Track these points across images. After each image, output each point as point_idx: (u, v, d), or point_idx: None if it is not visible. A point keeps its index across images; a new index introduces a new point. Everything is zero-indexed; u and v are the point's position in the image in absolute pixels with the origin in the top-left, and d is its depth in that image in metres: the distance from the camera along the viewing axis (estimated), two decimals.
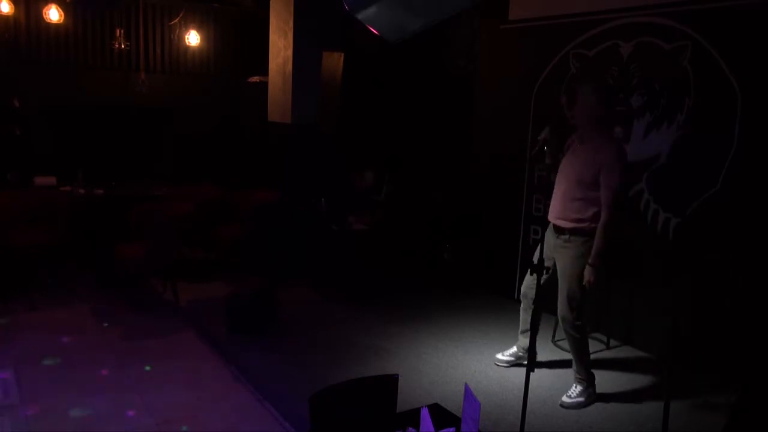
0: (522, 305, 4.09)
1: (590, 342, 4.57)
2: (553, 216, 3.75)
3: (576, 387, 3.72)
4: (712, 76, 4.05)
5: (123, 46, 6.91)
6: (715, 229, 4.06)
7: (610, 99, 3.86)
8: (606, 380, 3.99)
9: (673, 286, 4.28)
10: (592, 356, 3.78)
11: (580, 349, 3.71)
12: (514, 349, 4.19)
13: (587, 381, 3.72)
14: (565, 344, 3.92)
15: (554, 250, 3.70)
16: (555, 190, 3.77)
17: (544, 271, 3.23)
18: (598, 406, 3.66)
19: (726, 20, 3.99)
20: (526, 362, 4.05)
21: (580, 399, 3.67)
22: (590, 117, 3.53)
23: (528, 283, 3.98)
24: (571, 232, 3.60)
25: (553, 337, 4.57)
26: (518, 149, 5.39)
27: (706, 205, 4.10)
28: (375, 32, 3.33)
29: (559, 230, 3.68)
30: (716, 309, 4.06)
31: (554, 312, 3.80)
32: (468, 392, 2.05)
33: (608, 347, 4.57)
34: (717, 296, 4.06)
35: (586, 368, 3.73)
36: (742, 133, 3.92)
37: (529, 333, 4.03)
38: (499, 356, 4.21)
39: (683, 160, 4.25)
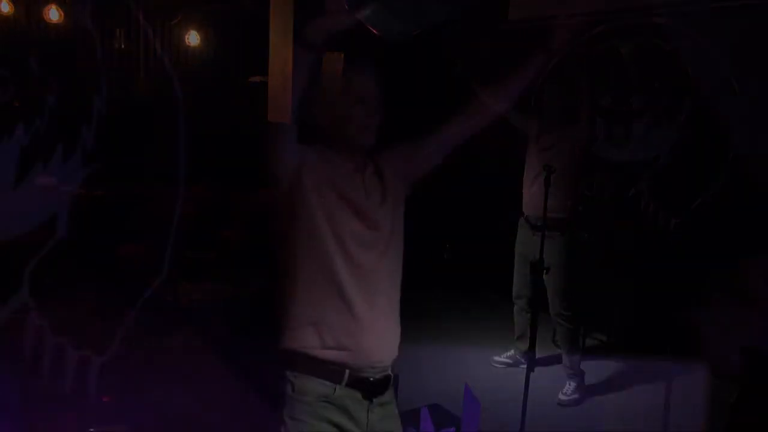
0: (516, 307, 4.06)
1: (589, 341, 4.60)
2: (529, 210, 3.78)
3: (570, 384, 3.71)
4: (712, 76, 4.05)
5: (123, 46, 6.90)
6: (715, 229, 4.06)
7: (574, 88, 4.11)
8: (606, 380, 3.99)
9: (673, 286, 4.27)
10: (592, 356, 3.78)
11: (573, 340, 3.74)
12: (512, 352, 4.18)
13: (580, 376, 3.72)
14: None
15: (536, 245, 3.68)
16: (530, 185, 3.83)
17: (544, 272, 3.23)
18: (598, 406, 3.65)
19: (726, 20, 3.99)
20: (522, 365, 4.07)
21: (576, 395, 3.67)
22: (555, 107, 3.71)
23: (522, 282, 3.97)
24: (551, 225, 3.59)
25: (554, 336, 4.56)
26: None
27: (706, 205, 4.10)
28: (375, 32, 3.33)
29: (537, 225, 3.68)
30: (716, 309, 4.05)
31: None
32: (468, 392, 2.05)
33: (607, 346, 4.57)
34: (717, 296, 4.05)
35: (578, 362, 3.74)
36: (742, 133, 3.92)
37: (525, 338, 4.02)
38: (496, 357, 4.21)
39: (683, 160, 4.25)
